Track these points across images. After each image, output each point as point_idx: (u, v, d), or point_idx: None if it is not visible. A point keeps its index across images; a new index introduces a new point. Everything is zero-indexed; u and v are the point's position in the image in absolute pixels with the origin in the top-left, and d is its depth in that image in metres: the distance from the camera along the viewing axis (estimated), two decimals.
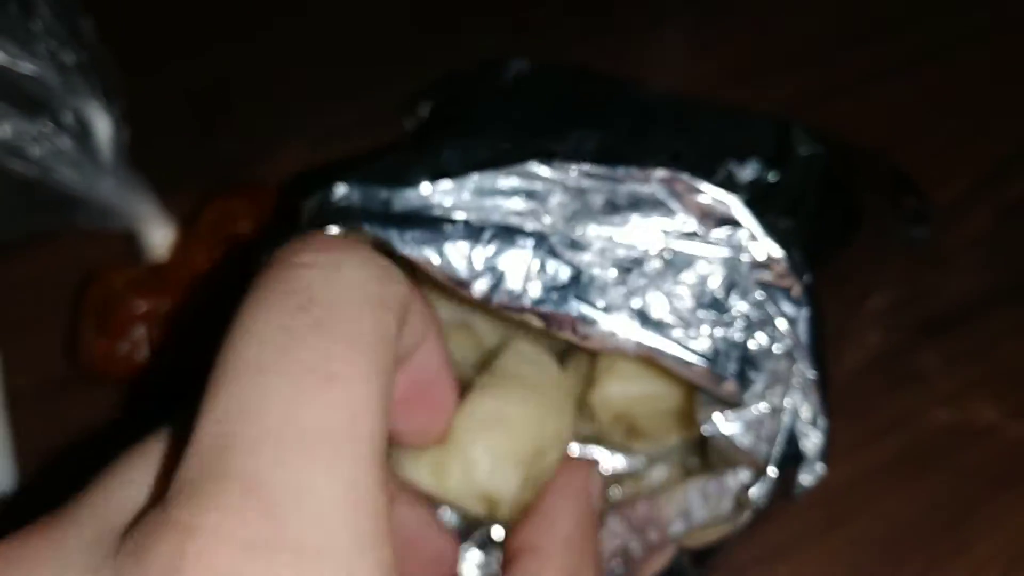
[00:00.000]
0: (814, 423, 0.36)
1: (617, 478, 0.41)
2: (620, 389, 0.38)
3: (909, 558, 0.45)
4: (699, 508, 0.38)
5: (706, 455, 0.39)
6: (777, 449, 0.36)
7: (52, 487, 0.48)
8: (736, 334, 0.34)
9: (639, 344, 0.34)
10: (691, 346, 0.34)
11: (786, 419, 0.36)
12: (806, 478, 0.37)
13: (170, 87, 0.64)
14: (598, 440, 0.41)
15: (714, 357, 0.34)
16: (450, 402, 0.34)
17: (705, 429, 0.36)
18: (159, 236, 0.53)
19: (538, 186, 0.35)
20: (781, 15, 0.67)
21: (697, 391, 0.36)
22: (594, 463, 0.39)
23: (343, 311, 0.25)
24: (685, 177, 0.35)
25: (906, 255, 0.54)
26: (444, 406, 0.34)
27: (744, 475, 0.37)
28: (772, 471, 0.36)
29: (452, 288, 0.34)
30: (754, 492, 0.37)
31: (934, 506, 0.47)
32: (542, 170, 0.35)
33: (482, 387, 0.36)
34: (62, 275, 0.55)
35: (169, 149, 0.59)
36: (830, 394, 0.37)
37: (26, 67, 0.48)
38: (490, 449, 0.35)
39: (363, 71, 0.66)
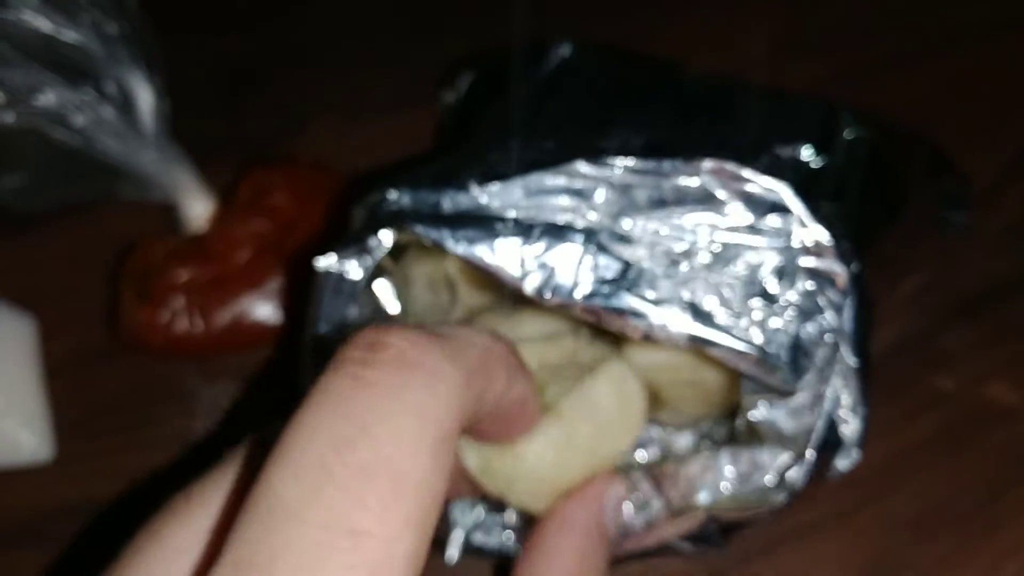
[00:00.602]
0: (854, 410, 0.37)
1: (643, 443, 0.42)
2: (646, 357, 0.38)
3: (939, 538, 0.45)
4: (729, 478, 0.38)
5: (735, 431, 0.39)
6: (817, 434, 0.36)
7: (90, 456, 0.49)
8: (787, 324, 0.34)
9: (691, 336, 0.34)
10: (743, 337, 0.34)
11: (827, 405, 0.36)
12: (842, 463, 0.38)
13: (207, 61, 0.64)
14: None
15: (766, 347, 0.34)
16: (532, 423, 0.34)
17: (753, 415, 0.36)
18: (198, 208, 0.53)
19: (584, 184, 0.36)
20: None
21: (742, 379, 0.36)
22: (611, 483, 0.36)
23: (393, 452, 0.22)
24: (732, 166, 0.35)
25: (939, 238, 0.54)
26: (526, 426, 0.33)
27: (778, 454, 0.38)
28: (810, 454, 0.36)
29: (505, 284, 0.34)
30: (792, 475, 0.37)
31: (964, 487, 0.47)
32: (587, 168, 0.35)
33: (559, 414, 0.35)
34: (102, 246, 0.55)
35: (206, 122, 0.59)
36: (870, 379, 0.37)
37: (70, 36, 0.48)
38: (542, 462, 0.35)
39: (398, 45, 0.66)
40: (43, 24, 0.48)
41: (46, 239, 0.56)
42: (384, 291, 0.39)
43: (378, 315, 0.39)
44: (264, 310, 0.51)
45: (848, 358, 0.36)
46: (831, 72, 0.63)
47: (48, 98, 0.48)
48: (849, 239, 0.36)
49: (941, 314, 0.52)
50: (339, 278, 0.37)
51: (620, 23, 0.67)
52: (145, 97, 0.50)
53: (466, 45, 0.55)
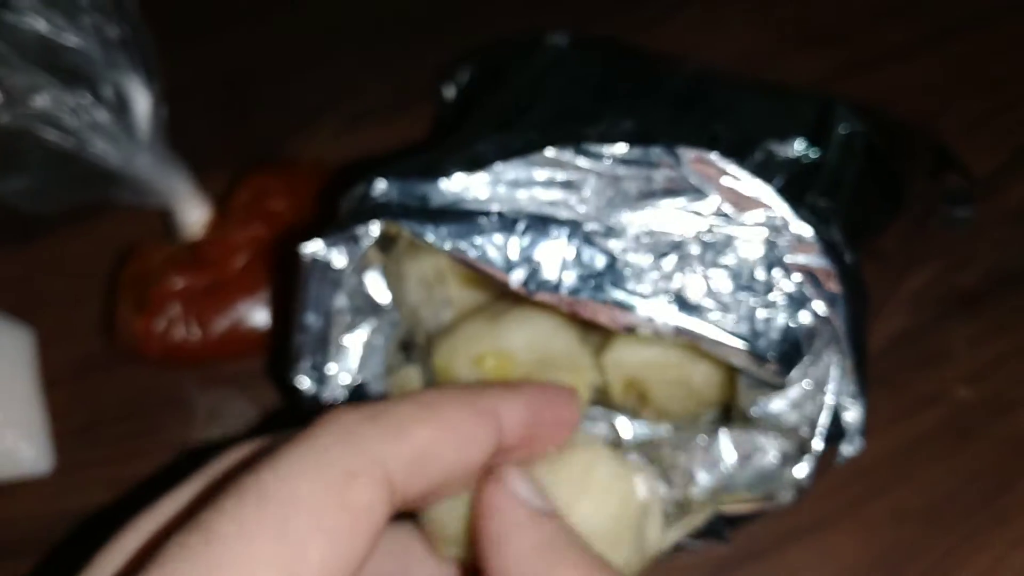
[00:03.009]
0: (853, 397, 0.36)
1: (638, 446, 0.41)
2: (631, 352, 0.38)
3: (949, 529, 0.45)
4: (729, 459, 0.38)
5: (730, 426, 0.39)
6: (822, 425, 0.36)
7: (90, 466, 0.49)
8: (777, 315, 0.34)
9: (678, 328, 0.33)
10: (731, 329, 0.34)
11: (828, 396, 0.36)
12: (847, 448, 0.37)
13: (204, 66, 0.64)
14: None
15: (754, 339, 0.34)
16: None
17: (753, 412, 0.36)
18: (195, 214, 0.53)
19: (572, 175, 0.35)
20: None
21: (740, 374, 0.36)
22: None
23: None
24: (715, 159, 0.35)
25: (942, 232, 0.53)
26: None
27: (780, 442, 0.37)
28: (817, 444, 0.36)
29: (491, 279, 0.34)
30: (800, 471, 0.37)
31: (972, 478, 0.47)
32: (576, 159, 0.35)
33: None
34: (98, 253, 0.55)
35: (203, 127, 0.59)
36: (867, 369, 0.37)
37: (69, 39, 0.48)
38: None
39: (395, 48, 0.66)
40: (42, 26, 0.48)
41: (41, 250, 0.56)
42: (374, 282, 0.39)
43: (368, 305, 0.39)
44: (261, 316, 0.50)
45: (844, 348, 0.36)
46: (830, 65, 0.62)
47: (44, 100, 0.48)
48: (841, 232, 0.36)
49: (944, 307, 0.52)
50: (325, 266, 0.37)
51: (617, 17, 0.66)
52: (142, 102, 0.50)
53: (466, 44, 0.55)
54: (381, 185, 0.36)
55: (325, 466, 0.26)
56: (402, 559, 0.34)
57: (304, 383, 0.40)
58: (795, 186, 0.36)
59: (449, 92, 0.54)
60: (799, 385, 0.35)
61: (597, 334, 0.39)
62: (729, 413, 0.39)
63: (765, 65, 0.60)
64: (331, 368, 0.39)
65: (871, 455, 0.46)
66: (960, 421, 0.48)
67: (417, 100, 0.60)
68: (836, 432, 0.37)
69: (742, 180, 0.35)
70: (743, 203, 0.35)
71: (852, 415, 0.37)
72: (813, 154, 0.39)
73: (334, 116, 0.62)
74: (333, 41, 0.67)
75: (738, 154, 0.36)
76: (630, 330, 0.34)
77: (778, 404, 0.36)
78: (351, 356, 0.40)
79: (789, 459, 0.37)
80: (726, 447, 0.38)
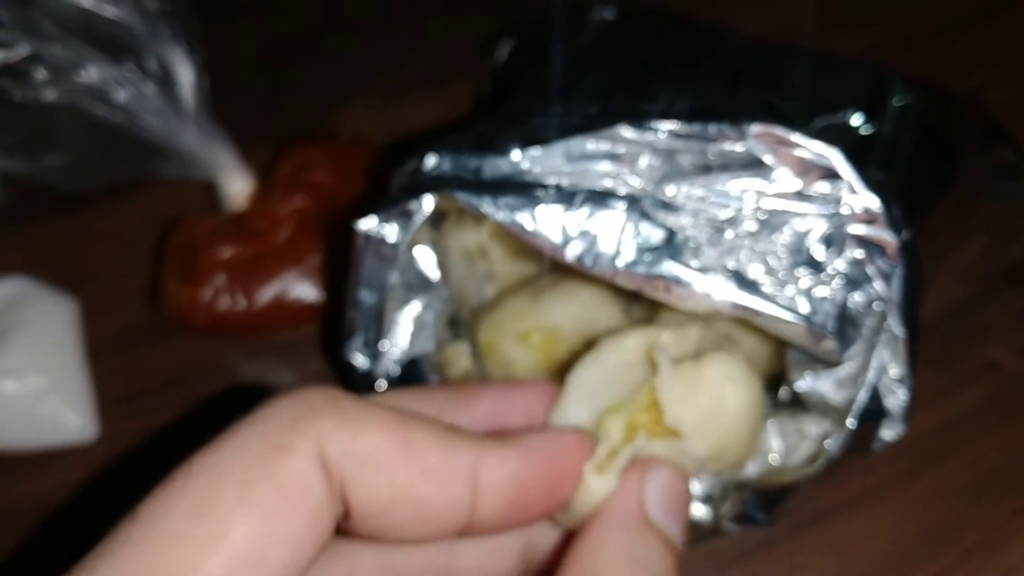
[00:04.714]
0: (901, 381, 0.36)
1: None
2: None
3: (997, 504, 0.45)
4: (776, 448, 0.38)
5: (776, 402, 0.39)
6: (859, 403, 0.36)
7: (134, 435, 0.49)
8: (835, 292, 0.34)
9: (735, 304, 0.33)
10: (789, 305, 0.33)
11: (871, 375, 0.35)
12: (888, 433, 0.37)
13: (247, 40, 0.64)
14: None
15: (812, 316, 0.33)
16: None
17: (799, 386, 0.35)
18: (238, 186, 0.53)
19: (627, 149, 0.35)
20: None
21: (788, 348, 0.35)
22: (649, 470, 0.29)
23: None
24: (781, 131, 0.34)
25: (992, 206, 0.53)
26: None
27: (824, 424, 0.37)
28: (851, 423, 0.36)
29: (545, 252, 0.34)
30: (830, 443, 0.37)
31: (1019, 453, 0.46)
32: (631, 133, 0.35)
33: None
34: (144, 226, 0.55)
35: (247, 101, 0.59)
36: (918, 349, 0.36)
37: (111, 11, 0.48)
38: None
39: (436, 21, 0.66)
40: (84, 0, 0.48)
41: (88, 220, 0.57)
42: (425, 257, 0.39)
43: (420, 281, 0.39)
44: (305, 287, 0.50)
45: (896, 328, 0.35)
46: (877, 40, 0.62)
47: (90, 74, 0.48)
48: (899, 207, 0.35)
49: (993, 282, 0.52)
50: (379, 242, 0.37)
51: None
52: (185, 74, 0.50)
53: (508, 18, 0.55)
54: (433, 159, 0.36)
55: (255, 438, 0.24)
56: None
57: (358, 359, 0.40)
58: (853, 159, 0.36)
59: (491, 66, 0.54)
60: (850, 363, 0.35)
61: (641, 307, 0.39)
62: (777, 385, 0.38)
63: (811, 41, 0.59)
64: (384, 344, 0.39)
65: (918, 430, 0.45)
66: (1009, 395, 0.48)
67: (459, 74, 0.60)
68: (876, 412, 0.36)
69: (809, 149, 0.34)
70: (807, 173, 0.34)
71: (897, 399, 0.36)
72: (868, 127, 0.38)
73: (376, 89, 0.62)
74: (376, 15, 0.67)
75: (795, 125, 0.35)
76: (688, 305, 0.33)
77: (825, 382, 0.35)
78: (402, 332, 0.39)
79: (827, 434, 0.37)
80: (774, 437, 0.37)
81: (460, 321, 0.41)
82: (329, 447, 0.25)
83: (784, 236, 0.34)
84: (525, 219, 0.34)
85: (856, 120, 0.38)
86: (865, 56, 0.59)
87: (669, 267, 0.33)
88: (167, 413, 0.50)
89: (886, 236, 0.34)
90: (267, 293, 0.50)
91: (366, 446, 0.25)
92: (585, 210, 0.34)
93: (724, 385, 0.29)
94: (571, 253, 0.33)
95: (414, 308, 0.39)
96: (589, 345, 0.37)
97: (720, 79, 0.40)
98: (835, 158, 0.34)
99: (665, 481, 0.28)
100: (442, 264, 0.39)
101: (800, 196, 0.34)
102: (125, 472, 0.48)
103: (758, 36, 0.46)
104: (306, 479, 0.24)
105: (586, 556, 0.27)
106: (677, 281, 0.33)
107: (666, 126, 0.35)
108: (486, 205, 0.34)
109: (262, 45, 0.65)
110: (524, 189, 0.34)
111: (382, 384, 0.40)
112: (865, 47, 0.61)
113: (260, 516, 0.23)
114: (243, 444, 0.24)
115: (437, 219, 0.37)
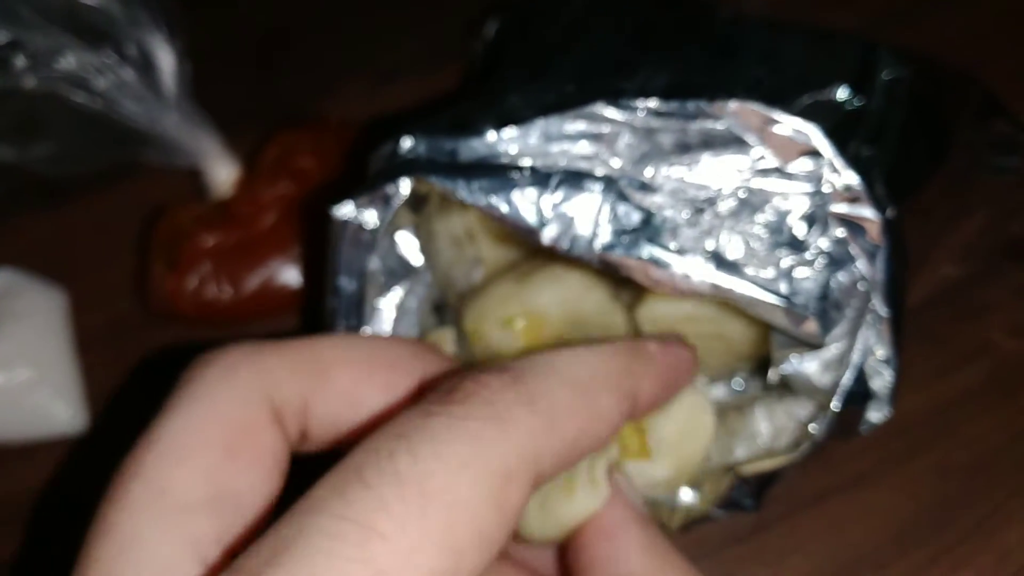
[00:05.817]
0: (887, 362, 0.35)
1: None
2: (665, 308, 0.37)
3: (995, 485, 0.44)
4: (764, 433, 0.37)
5: (767, 383, 0.38)
6: (843, 385, 0.35)
7: (122, 426, 0.48)
8: (817, 273, 0.33)
9: (714, 286, 0.33)
10: (769, 287, 0.33)
11: (856, 356, 0.35)
12: (875, 415, 0.36)
13: (232, 25, 0.64)
14: None
15: (793, 297, 0.33)
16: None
17: (783, 369, 0.35)
18: (223, 173, 0.52)
19: (605, 128, 0.34)
20: None
21: (772, 331, 0.35)
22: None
23: (435, 469, 0.23)
24: (759, 107, 0.34)
25: (988, 183, 0.52)
26: None
27: (809, 407, 0.37)
28: (835, 405, 0.35)
29: (522, 236, 0.33)
30: (814, 426, 0.36)
31: (1017, 434, 0.45)
32: (609, 112, 0.34)
33: None
34: (129, 214, 0.55)
35: (231, 87, 0.58)
36: (907, 327, 0.36)
37: None
38: None
39: (426, 5, 0.65)
40: None
41: (73, 211, 0.56)
42: (407, 243, 0.38)
43: (401, 267, 0.38)
44: (292, 274, 0.50)
45: (880, 308, 0.35)
46: (871, 13, 0.61)
47: (69, 61, 0.48)
48: (884, 184, 0.35)
49: (991, 258, 0.51)
50: (357, 228, 0.36)
51: None
52: (166, 59, 0.50)
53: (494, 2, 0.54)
54: (408, 142, 0.35)
55: (210, 416, 0.27)
56: None
57: None
58: (839, 134, 0.35)
59: (477, 46, 0.53)
60: (835, 345, 0.34)
61: (628, 290, 0.38)
62: (766, 366, 0.38)
63: (804, 15, 0.58)
64: (366, 331, 0.39)
65: (914, 410, 0.45)
66: (1006, 375, 0.47)
67: (448, 58, 0.60)
68: (862, 394, 0.36)
69: (788, 126, 0.34)
70: (788, 151, 0.34)
71: (883, 381, 0.36)
72: (856, 101, 0.38)
73: (363, 74, 0.62)
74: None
75: (781, 101, 0.34)
76: (667, 288, 0.33)
77: (811, 364, 0.35)
78: (384, 319, 0.39)
79: (812, 418, 0.36)
80: (763, 420, 0.37)
81: (447, 307, 0.41)
82: (272, 390, 0.28)
83: (765, 215, 0.33)
84: (500, 202, 0.33)
85: (843, 94, 0.37)
86: (860, 31, 0.58)
87: (647, 249, 0.32)
88: (156, 403, 0.49)
89: (868, 214, 0.33)
90: (253, 280, 0.50)
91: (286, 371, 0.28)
92: (560, 192, 0.33)
93: (702, 416, 0.34)
94: (547, 236, 0.33)
95: (396, 295, 0.39)
96: (576, 329, 0.36)
97: (705, 55, 0.39)
98: (814, 135, 0.33)
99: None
100: (426, 249, 0.39)
101: (780, 174, 0.33)
102: (115, 462, 0.47)
103: (749, 11, 0.46)
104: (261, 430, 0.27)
105: (609, 556, 0.30)
106: (655, 263, 0.32)
107: (645, 104, 0.34)
108: (460, 189, 0.33)
109: (247, 30, 0.64)
110: (499, 171, 0.33)
111: None
112: (859, 21, 0.60)
113: (204, 459, 0.26)
114: (200, 426, 0.27)
115: (417, 203, 0.36)
